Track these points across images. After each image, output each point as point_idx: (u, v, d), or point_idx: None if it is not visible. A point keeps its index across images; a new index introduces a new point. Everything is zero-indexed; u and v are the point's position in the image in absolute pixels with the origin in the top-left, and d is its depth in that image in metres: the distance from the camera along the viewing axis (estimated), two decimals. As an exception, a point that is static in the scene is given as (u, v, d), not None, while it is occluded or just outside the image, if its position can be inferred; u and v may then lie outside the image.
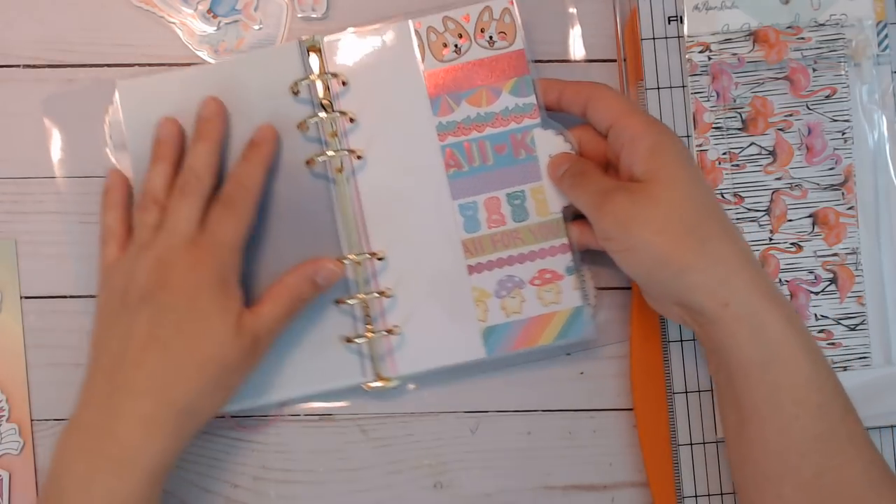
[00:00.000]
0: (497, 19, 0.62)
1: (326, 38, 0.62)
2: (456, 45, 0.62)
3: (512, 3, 0.62)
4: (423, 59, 0.62)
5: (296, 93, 0.62)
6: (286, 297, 0.58)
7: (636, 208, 0.54)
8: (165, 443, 0.54)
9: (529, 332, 0.62)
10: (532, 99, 0.62)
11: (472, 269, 0.62)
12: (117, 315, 0.56)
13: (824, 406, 0.52)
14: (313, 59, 0.62)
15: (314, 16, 0.65)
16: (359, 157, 0.62)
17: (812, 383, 0.53)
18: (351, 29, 0.63)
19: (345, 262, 0.61)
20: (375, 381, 0.62)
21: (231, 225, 0.57)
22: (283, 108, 0.62)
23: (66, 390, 0.63)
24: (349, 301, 0.61)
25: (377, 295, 0.61)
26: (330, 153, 0.61)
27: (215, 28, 0.64)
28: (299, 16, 0.64)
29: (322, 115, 0.61)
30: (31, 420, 0.63)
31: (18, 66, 0.64)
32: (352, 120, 0.62)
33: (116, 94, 0.62)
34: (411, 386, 0.63)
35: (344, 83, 0.62)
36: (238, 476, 0.63)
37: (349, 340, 0.61)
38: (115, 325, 0.56)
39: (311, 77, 0.62)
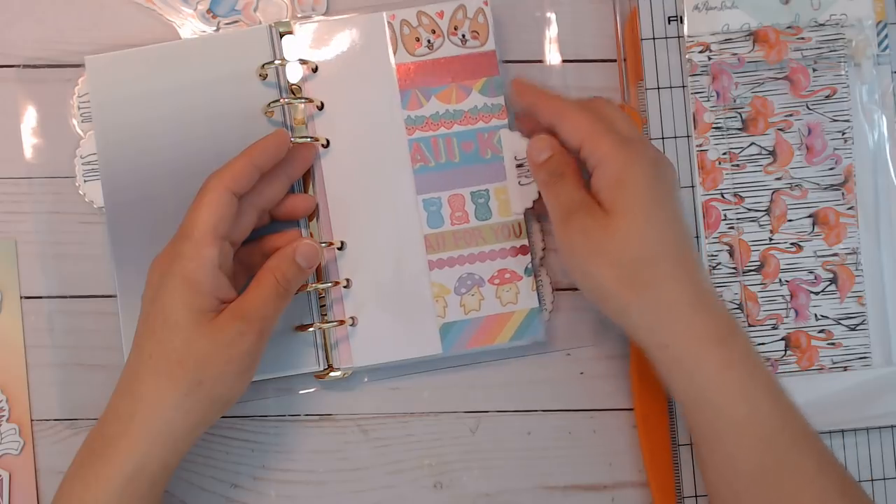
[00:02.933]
0: (471, 18, 0.63)
1: (299, 24, 0.62)
2: (429, 41, 0.63)
3: (486, 3, 0.63)
4: (394, 52, 0.63)
5: (263, 77, 0.62)
6: (269, 278, 0.56)
7: (595, 236, 0.54)
8: (145, 446, 0.53)
9: (486, 331, 0.62)
10: (501, 100, 0.62)
11: (433, 265, 0.62)
12: None
13: (767, 439, 0.52)
14: (286, 42, 0.62)
15: (314, 15, 0.65)
16: (325, 146, 0.62)
17: (751, 423, 0.53)
18: (323, 17, 0.63)
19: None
20: (327, 370, 0.62)
21: (194, 213, 0.55)
22: (249, 90, 0.62)
23: (65, 390, 0.63)
24: (306, 289, 0.61)
25: (332, 284, 0.61)
26: (293, 140, 0.61)
27: (215, 28, 0.64)
28: (299, 15, 0.64)
29: (289, 100, 0.61)
30: (31, 420, 0.63)
31: (18, 66, 0.64)
32: (320, 107, 0.62)
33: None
34: (365, 378, 0.63)
35: (314, 69, 0.62)
36: (238, 476, 0.63)
37: (302, 328, 0.61)
38: None
39: (280, 61, 0.62)
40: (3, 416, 0.62)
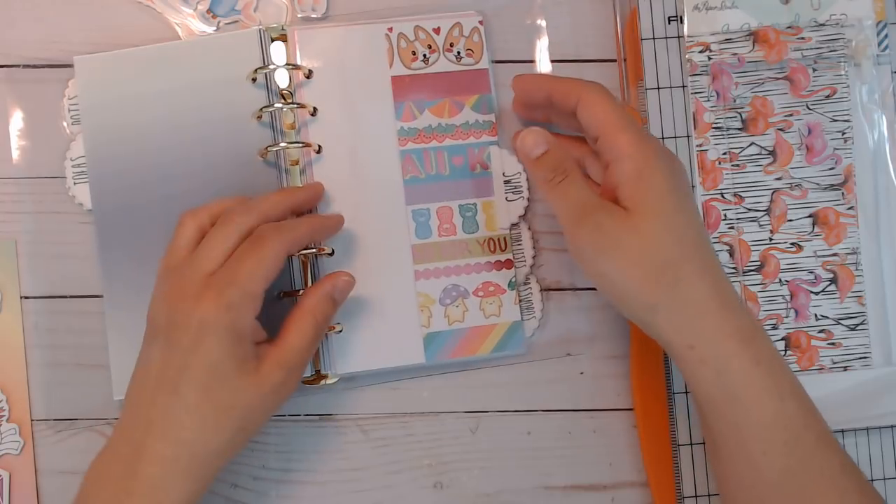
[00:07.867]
0: (466, 37, 0.63)
1: (295, 29, 0.63)
2: (424, 55, 0.63)
3: (481, 22, 0.63)
4: (391, 64, 0.63)
5: (254, 80, 0.62)
6: (310, 322, 0.57)
7: (615, 235, 0.53)
8: (186, 486, 0.53)
9: (469, 342, 0.62)
10: (492, 117, 0.63)
11: (419, 275, 0.62)
12: (144, 340, 0.56)
13: (791, 442, 0.52)
14: (278, 48, 0.62)
15: (314, 16, 0.65)
16: (317, 152, 0.62)
17: (778, 422, 0.52)
18: (323, 22, 0.63)
19: (293, 257, 0.60)
20: (313, 376, 0.62)
21: (250, 264, 0.54)
22: (240, 94, 0.62)
23: (66, 390, 0.63)
24: (294, 295, 0.61)
25: None
26: (282, 145, 0.61)
27: (215, 28, 0.64)
28: (299, 16, 0.64)
29: (279, 105, 0.61)
30: (31, 420, 0.63)
31: (18, 66, 0.64)
32: (313, 112, 0.62)
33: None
34: (346, 384, 0.63)
35: (308, 75, 0.62)
36: (238, 476, 0.63)
37: None
38: (142, 352, 0.56)
39: (271, 66, 0.62)
40: (3, 416, 0.62)
